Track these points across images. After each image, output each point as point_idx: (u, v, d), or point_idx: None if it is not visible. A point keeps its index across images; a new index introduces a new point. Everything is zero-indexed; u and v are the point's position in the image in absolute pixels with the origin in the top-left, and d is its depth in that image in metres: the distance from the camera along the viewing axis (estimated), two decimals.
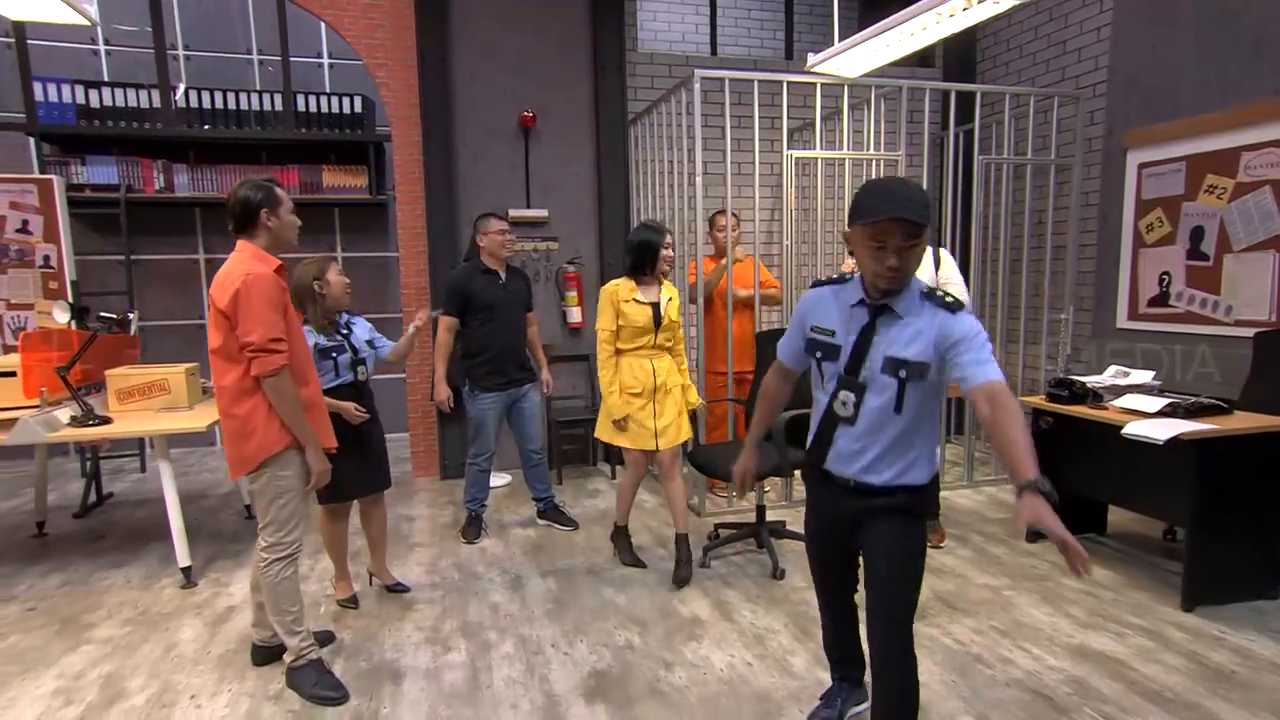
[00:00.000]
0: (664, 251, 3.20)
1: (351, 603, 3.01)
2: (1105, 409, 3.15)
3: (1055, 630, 2.73)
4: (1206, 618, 2.80)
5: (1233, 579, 2.90)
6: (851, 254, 1.77)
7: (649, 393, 3.18)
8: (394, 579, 3.15)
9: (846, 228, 1.73)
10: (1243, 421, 2.87)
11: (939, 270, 3.38)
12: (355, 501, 2.95)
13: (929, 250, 3.45)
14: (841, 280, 1.82)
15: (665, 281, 3.29)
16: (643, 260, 3.19)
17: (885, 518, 1.77)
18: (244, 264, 2.19)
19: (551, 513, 3.91)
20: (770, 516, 3.57)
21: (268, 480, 2.26)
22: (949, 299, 1.68)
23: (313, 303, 2.74)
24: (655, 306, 3.18)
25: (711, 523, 3.76)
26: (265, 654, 2.55)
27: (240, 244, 2.26)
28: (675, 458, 3.24)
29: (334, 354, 2.76)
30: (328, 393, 2.80)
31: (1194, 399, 3.00)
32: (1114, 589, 3.07)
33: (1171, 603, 2.91)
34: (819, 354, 1.80)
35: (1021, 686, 2.37)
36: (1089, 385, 3.28)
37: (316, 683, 2.35)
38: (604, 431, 3.28)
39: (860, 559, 1.88)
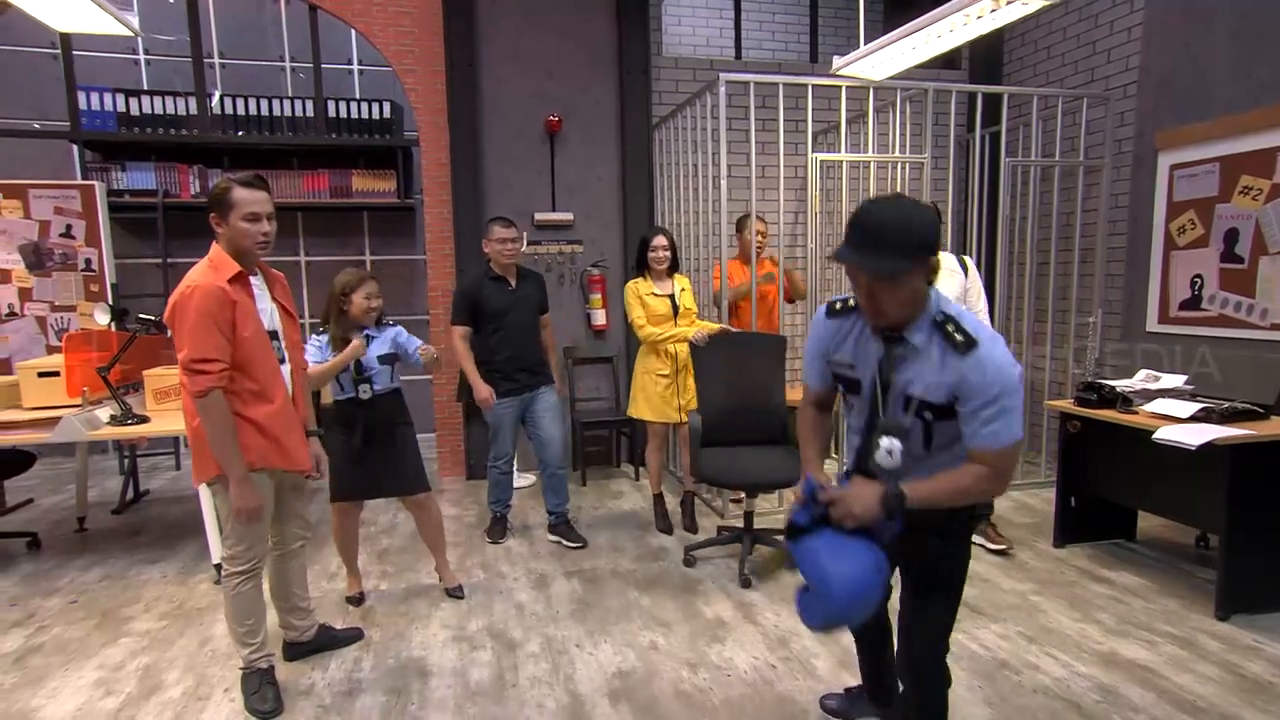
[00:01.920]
0: (649, 252, 3.70)
1: (356, 600, 3.06)
2: (1135, 414, 3.11)
3: (1084, 637, 2.70)
4: (1242, 627, 2.75)
5: (1269, 587, 2.84)
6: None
7: (674, 374, 3.74)
8: (455, 582, 3.15)
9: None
10: (1279, 427, 2.82)
11: (967, 277, 3.35)
12: (396, 500, 3.00)
13: (953, 257, 3.37)
14: (849, 309, 1.66)
15: (679, 275, 3.83)
16: (640, 257, 3.76)
17: (925, 531, 1.64)
18: (194, 273, 2.08)
19: (561, 527, 3.73)
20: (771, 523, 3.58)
21: (223, 497, 2.18)
22: (959, 336, 1.49)
23: (334, 316, 2.79)
24: (671, 298, 3.73)
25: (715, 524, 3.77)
26: (295, 650, 2.61)
27: (213, 246, 2.15)
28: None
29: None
30: (335, 405, 2.86)
31: (1228, 404, 2.95)
32: (1144, 596, 3.03)
33: (1204, 611, 2.86)
34: (841, 386, 1.71)
35: (1049, 694, 2.35)
36: (1118, 389, 3.24)
37: (255, 693, 2.31)
38: (637, 409, 3.82)
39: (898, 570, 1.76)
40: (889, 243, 1.44)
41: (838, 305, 1.68)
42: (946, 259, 3.35)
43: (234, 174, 2.15)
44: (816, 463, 1.78)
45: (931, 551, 1.68)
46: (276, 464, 2.22)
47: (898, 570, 1.75)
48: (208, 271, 2.08)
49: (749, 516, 3.38)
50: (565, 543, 3.71)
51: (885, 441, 1.55)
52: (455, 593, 3.12)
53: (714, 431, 3.35)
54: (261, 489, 2.20)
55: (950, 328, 1.50)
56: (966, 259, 3.41)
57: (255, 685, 2.33)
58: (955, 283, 3.31)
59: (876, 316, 1.53)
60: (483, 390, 3.53)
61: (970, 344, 1.47)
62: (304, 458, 2.31)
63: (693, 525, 3.82)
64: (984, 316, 3.37)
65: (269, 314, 2.23)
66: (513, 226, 3.58)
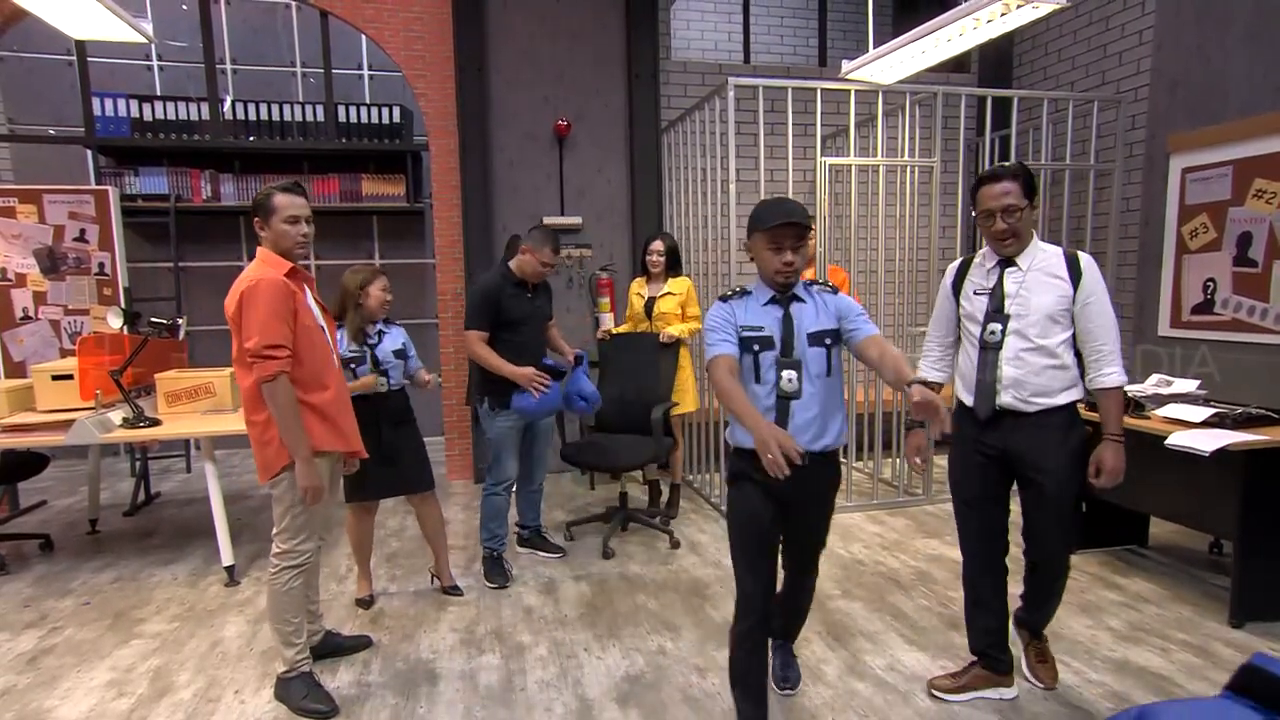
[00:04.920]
0: (647, 257, 4.05)
1: (366, 603, 3.07)
2: (1147, 418, 3.09)
3: (1095, 643, 2.68)
4: (1257, 634, 2.72)
5: None
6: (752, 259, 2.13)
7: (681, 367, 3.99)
8: (451, 581, 3.20)
9: (747, 239, 2.09)
10: None
11: (1077, 290, 2.16)
12: (405, 503, 3.03)
13: (1058, 257, 2.19)
14: (738, 294, 2.12)
15: (676, 279, 4.05)
16: (642, 258, 4.14)
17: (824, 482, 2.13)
18: (253, 269, 2.21)
19: (536, 539, 3.67)
20: None
21: (286, 487, 2.25)
22: (828, 286, 2.13)
23: (351, 310, 2.88)
24: (651, 300, 4.04)
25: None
26: None
27: (258, 249, 2.29)
28: (675, 424, 4.10)
29: (353, 364, 2.85)
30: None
31: (1242, 409, 2.92)
32: (1157, 603, 3.00)
33: (1218, 618, 2.84)
34: (756, 347, 2.05)
35: (1060, 700, 2.33)
36: (1130, 394, 3.21)
37: (306, 695, 2.32)
38: None
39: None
40: (803, 210, 2.05)
41: (729, 293, 2.15)
42: (1048, 257, 2.21)
43: (276, 182, 2.31)
44: (750, 406, 2.03)
45: (830, 498, 2.22)
46: (336, 446, 2.34)
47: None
48: (265, 267, 2.21)
49: (623, 496, 3.95)
50: (542, 553, 3.62)
51: (787, 374, 2.01)
52: (452, 591, 3.16)
53: (606, 420, 3.91)
54: (322, 474, 2.29)
55: (818, 285, 2.12)
56: (1083, 261, 2.19)
57: (304, 689, 2.34)
58: (1051, 295, 2.16)
59: (792, 273, 2.04)
60: (524, 371, 3.14)
61: (835, 291, 2.13)
62: (358, 441, 2.44)
63: (673, 511, 4.15)
64: (1113, 361, 2.25)
65: (315, 310, 2.35)
66: (556, 252, 3.29)
